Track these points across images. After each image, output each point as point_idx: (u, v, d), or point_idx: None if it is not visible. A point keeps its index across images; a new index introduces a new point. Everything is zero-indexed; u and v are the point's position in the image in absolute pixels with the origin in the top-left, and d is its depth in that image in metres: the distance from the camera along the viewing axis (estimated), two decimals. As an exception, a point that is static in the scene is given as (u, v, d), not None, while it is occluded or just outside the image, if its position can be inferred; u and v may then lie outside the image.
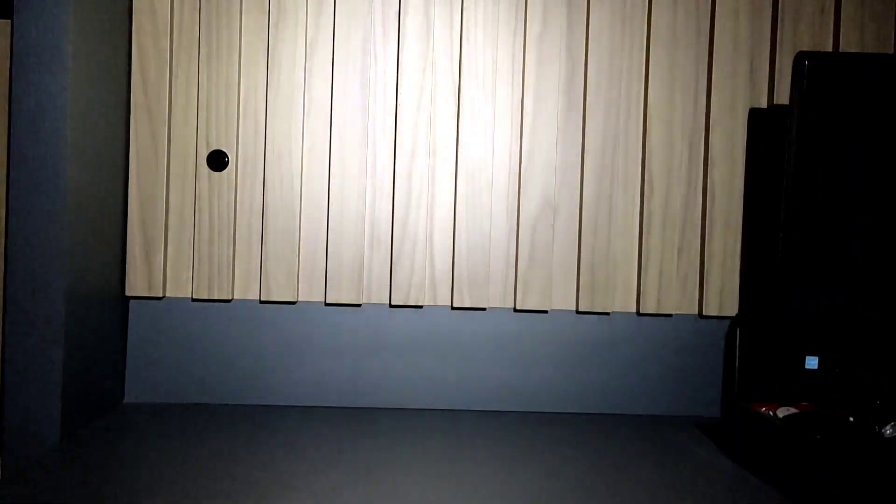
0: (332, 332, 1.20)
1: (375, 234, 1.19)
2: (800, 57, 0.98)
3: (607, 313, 1.21)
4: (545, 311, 1.21)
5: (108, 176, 1.11)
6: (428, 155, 1.19)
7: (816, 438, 0.86)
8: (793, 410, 1.00)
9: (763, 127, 1.19)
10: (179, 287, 1.18)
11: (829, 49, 1.19)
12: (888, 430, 0.96)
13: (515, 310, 1.20)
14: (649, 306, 1.20)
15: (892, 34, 1.20)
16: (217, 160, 1.17)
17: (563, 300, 1.20)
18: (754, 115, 1.19)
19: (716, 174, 1.20)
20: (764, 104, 1.20)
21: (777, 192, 1.02)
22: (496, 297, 1.20)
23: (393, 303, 1.19)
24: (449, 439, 1.06)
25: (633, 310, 1.21)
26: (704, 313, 1.20)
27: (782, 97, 1.18)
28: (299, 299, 1.19)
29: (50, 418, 0.98)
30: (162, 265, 1.17)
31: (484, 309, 1.21)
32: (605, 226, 1.20)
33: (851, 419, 1.00)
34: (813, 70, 0.98)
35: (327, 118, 1.19)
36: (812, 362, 1.01)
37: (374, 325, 1.21)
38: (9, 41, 0.99)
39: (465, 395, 1.21)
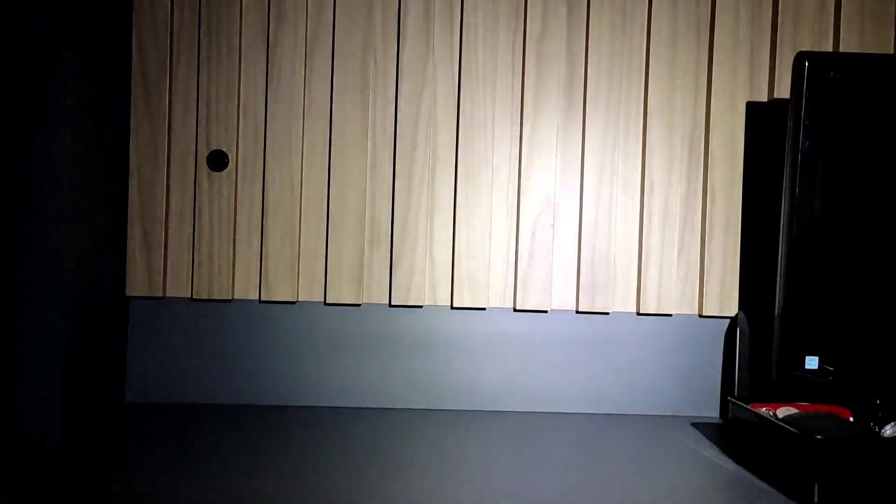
0: (332, 332, 1.20)
1: (375, 234, 1.19)
2: (800, 57, 0.98)
3: (607, 313, 1.21)
4: (545, 311, 1.21)
5: (108, 176, 1.11)
6: (428, 155, 1.19)
7: (816, 438, 0.86)
8: (793, 410, 1.00)
9: (762, 121, 1.19)
10: (179, 287, 1.18)
11: (829, 49, 1.19)
12: (888, 430, 0.96)
13: (515, 310, 1.20)
14: (649, 306, 1.20)
15: (892, 34, 1.20)
16: (217, 160, 1.17)
17: (563, 300, 1.20)
18: (753, 110, 1.19)
19: (716, 174, 1.20)
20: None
21: (777, 192, 1.02)
22: (496, 296, 1.20)
23: (393, 303, 1.19)
24: (449, 439, 1.06)
25: (633, 310, 1.21)
26: (704, 313, 1.20)
27: (782, 97, 1.18)
28: (299, 299, 1.19)
29: (50, 418, 0.98)
30: (162, 265, 1.17)
31: (484, 309, 1.21)
32: (605, 226, 1.20)
33: (851, 419, 1.00)
34: (813, 70, 0.98)
35: (327, 118, 1.19)
36: (812, 362, 1.01)
37: (374, 325, 1.21)
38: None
39: (465, 395, 1.21)
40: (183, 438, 1.02)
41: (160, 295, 1.18)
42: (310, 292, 1.19)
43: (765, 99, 1.20)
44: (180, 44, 1.17)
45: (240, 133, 1.18)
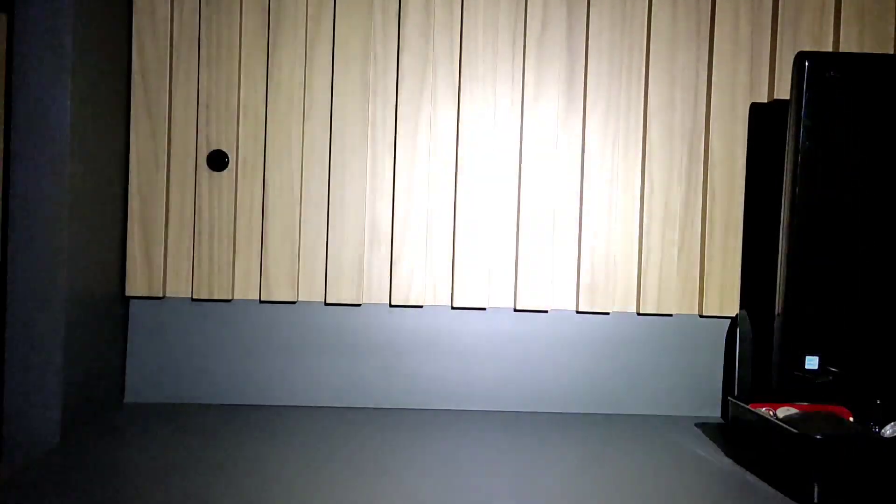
0: (332, 332, 1.20)
1: (375, 234, 1.19)
2: (800, 57, 0.98)
3: (607, 313, 1.21)
4: (545, 311, 1.21)
5: (108, 176, 1.11)
6: (428, 154, 1.19)
7: (816, 438, 0.86)
8: (793, 410, 1.00)
9: (764, 122, 1.19)
10: (179, 287, 1.18)
11: (829, 49, 1.19)
12: (888, 430, 0.96)
13: (515, 309, 1.20)
14: (649, 306, 1.20)
15: (892, 34, 1.20)
16: (217, 160, 1.17)
17: (563, 300, 1.20)
18: (755, 110, 1.19)
19: (716, 174, 1.20)
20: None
21: (777, 192, 1.02)
22: (496, 296, 1.20)
23: (393, 303, 1.19)
24: (449, 439, 1.06)
25: (633, 310, 1.21)
26: (704, 313, 1.20)
27: (782, 97, 1.18)
28: (299, 299, 1.19)
29: (50, 418, 0.98)
30: (162, 265, 1.18)
31: (484, 309, 1.21)
32: (605, 226, 1.20)
33: (851, 419, 1.00)
34: (813, 70, 0.98)
35: (327, 118, 1.19)
36: (812, 362, 1.01)
37: (374, 325, 1.21)
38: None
39: (465, 395, 1.21)
40: (182, 439, 1.02)
41: (160, 295, 1.18)
42: (310, 292, 1.19)
43: (765, 99, 1.20)
44: (180, 44, 1.17)
45: (240, 133, 1.18)
